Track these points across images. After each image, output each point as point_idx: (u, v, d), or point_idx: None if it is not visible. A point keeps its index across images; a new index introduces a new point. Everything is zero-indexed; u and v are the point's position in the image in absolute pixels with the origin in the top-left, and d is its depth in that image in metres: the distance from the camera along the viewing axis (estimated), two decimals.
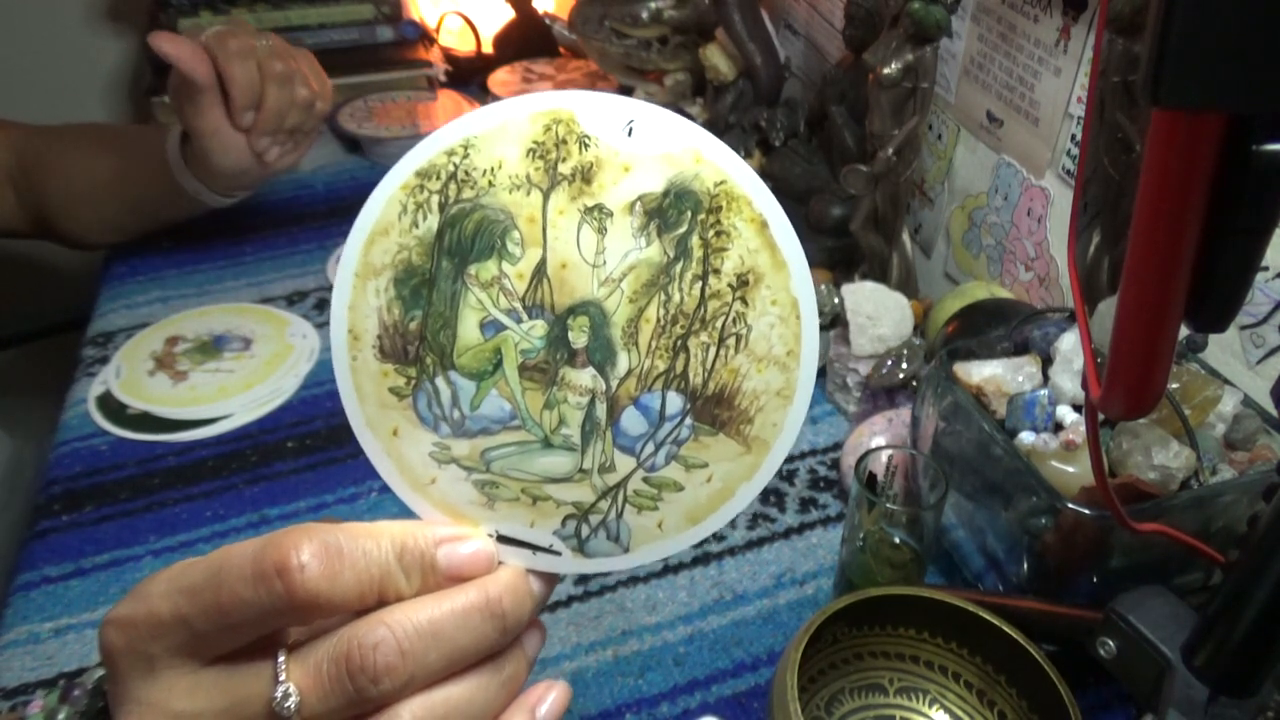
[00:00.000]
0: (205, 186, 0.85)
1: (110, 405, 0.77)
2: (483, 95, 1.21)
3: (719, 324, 0.30)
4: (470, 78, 1.27)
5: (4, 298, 1.30)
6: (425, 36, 1.25)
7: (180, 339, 0.83)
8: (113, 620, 0.29)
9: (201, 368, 0.80)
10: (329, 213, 1.03)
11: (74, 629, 0.60)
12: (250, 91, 0.76)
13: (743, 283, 0.30)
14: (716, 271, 0.30)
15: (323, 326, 0.85)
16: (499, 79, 1.22)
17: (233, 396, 0.77)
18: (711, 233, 0.30)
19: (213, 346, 0.82)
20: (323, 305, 0.89)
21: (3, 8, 1.23)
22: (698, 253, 0.30)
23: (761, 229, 0.30)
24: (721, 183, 0.29)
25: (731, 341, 0.30)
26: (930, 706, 0.53)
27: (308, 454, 0.73)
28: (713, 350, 0.30)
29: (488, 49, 1.29)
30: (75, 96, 1.30)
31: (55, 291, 1.27)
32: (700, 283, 0.30)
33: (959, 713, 0.52)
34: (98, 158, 0.88)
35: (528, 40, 1.29)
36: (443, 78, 1.23)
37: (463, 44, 1.30)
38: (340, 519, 0.35)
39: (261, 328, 0.85)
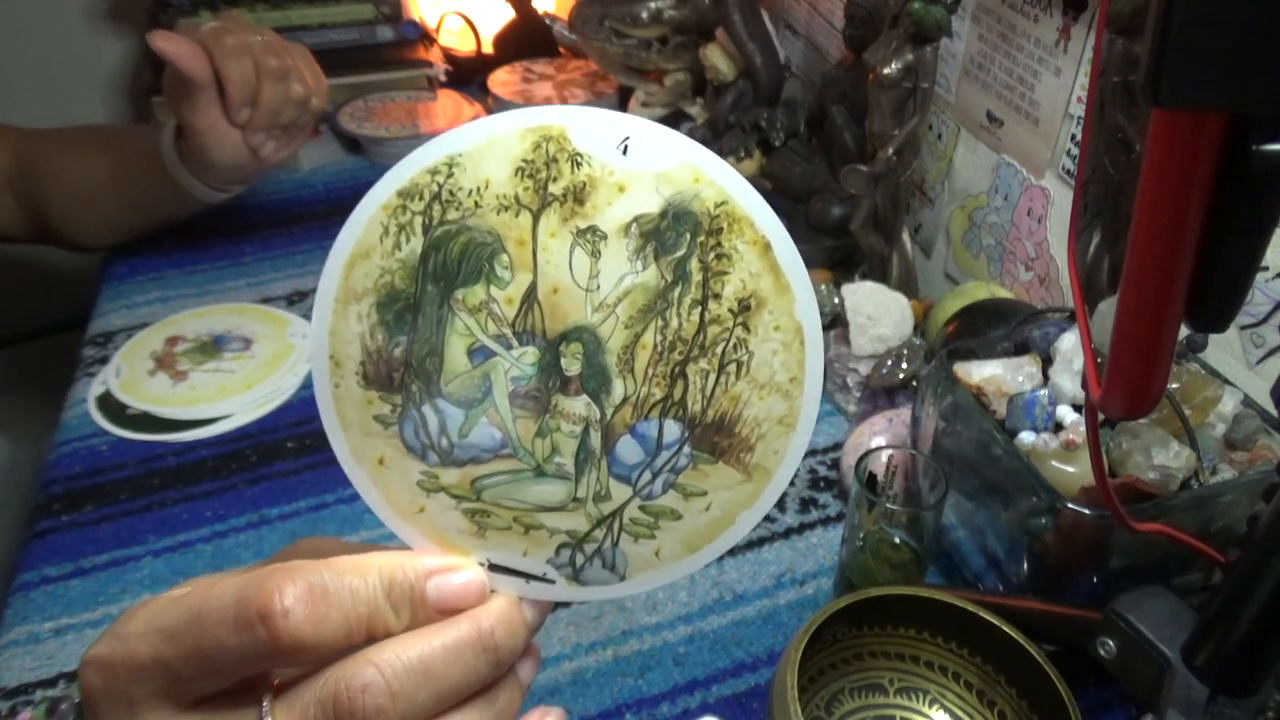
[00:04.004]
0: (199, 181, 0.85)
1: (110, 405, 0.77)
2: (483, 95, 1.21)
3: (719, 350, 0.29)
4: (470, 78, 1.27)
5: (4, 298, 1.30)
6: (425, 36, 1.25)
7: (180, 339, 0.83)
8: (91, 661, 0.28)
9: (201, 368, 0.80)
10: (329, 213, 1.03)
11: (74, 629, 0.60)
12: (246, 89, 0.77)
13: (744, 308, 0.29)
14: (717, 296, 0.29)
15: None
16: (499, 79, 1.22)
17: (233, 396, 0.77)
18: (711, 256, 0.28)
19: (213, 346, 0.82)
20: None
21: (3, 8, 1.23)
22: (697, 277, 0.28)
23: (764, 252, 0.28)
24: (722, 203, 0.28)
25: (732, 368, 0.29)
26: (930, 706, 0.53)
27: (308, 454, 0.73)
28: (712, 377, 0.29)
29: (488, 49, 1.29)
30: (75, 96, 1.30)
31: (55, 291, 1.27)
32: (699, 308, 0.29)
33: (959, 713, 0.52)
34: (94, 159, 0.88)
35: (528, 40, 1.29)
36: (443, 78, 1.23)
37: (463, 44, 1.30)
38: (334, 538, 0.34)
39: (261, 328, 0.85)
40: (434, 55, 1.24)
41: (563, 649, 0.59)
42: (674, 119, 1.11)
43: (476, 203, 0.28)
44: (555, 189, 0.28)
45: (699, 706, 0.56)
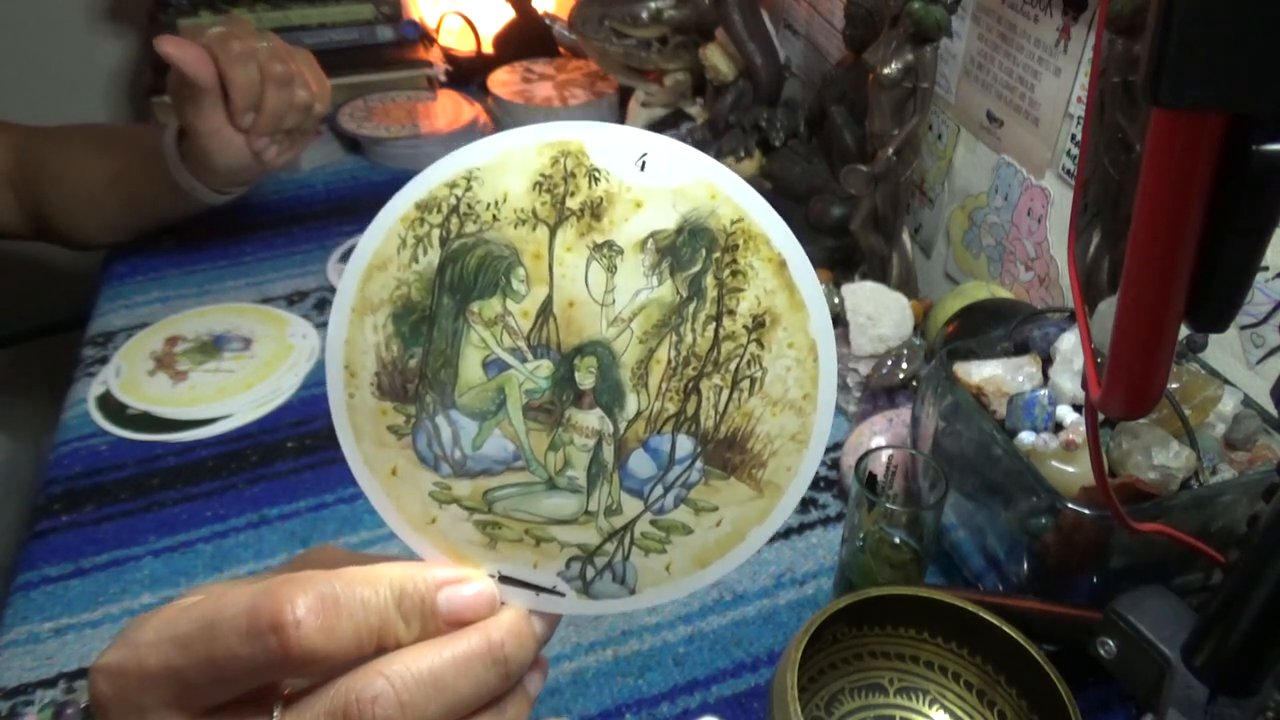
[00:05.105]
0: (201, 183, 0.86)
1: (110, 405, 0.77)
2: (483, 95, 1.21)
3: (732, 366, 0.29)
4: (470, 78, 1.26)
5: (4, 298, 1.30)
6: (425, 36, 1.25)
7: (180, 339, 0.83)
8: (101, 668, 0.29)
9: (201, 368, 0.80)
10: (329, 213, 1.03)
11: (74, 629, 0.60)
12: (251, 94, 0.77)
13: (758, 324, 0.29)
14: (731, 312, 0.29)
15: (323, 326, 0.86)
16: (499, 79, 1.22)
17: (233, 396, 0.77)
18: (727, 272, 0.28)
19: (213, 346, 0.82)
20: (323, 305, 0.89)
21: (3, 8, 1.23)
22: (712, 293, 0.29)
23: (780, 269, 0.29)
24: (738, 220, 0.28)
25: (745, 384, 0.29)
26: (930, 706, 0.53)
27: (308, 454, 0.73)
28: (725, 393, 0.29)
29: (488, 49, 1.29)
30: (75, 96, 1.30)
31: (55, 291, 1.27)
32: (714, 324, 0.29)
33: (959, 713, 0.52)
34: (96, 158, 0.88)
35: (528, 40, 1.29)
36: (443, 78, 1.23)
37: (463, 44, 1.30)
38: (343, 549, 0.34)
39: (261, 328, 0.85)
40: (434, 55, 1.24)
41: (563, 649, 0.59)
42: (674, 119, 1.11)
43: (494, 216, 0.28)
44: (573, 204, 0.28)
45: (699, 706, 0.56)
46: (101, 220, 0.91)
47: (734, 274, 0.29)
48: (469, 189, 0.28)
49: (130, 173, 0.88)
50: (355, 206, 1.03)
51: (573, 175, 0.28)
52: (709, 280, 0.29)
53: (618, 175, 0.28)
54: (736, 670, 0.58)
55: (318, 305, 0.89)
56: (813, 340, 0.29)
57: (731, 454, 0.30)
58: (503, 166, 0.28)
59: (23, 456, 1.00)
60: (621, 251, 0.28)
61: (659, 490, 0.30)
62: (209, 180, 0.85)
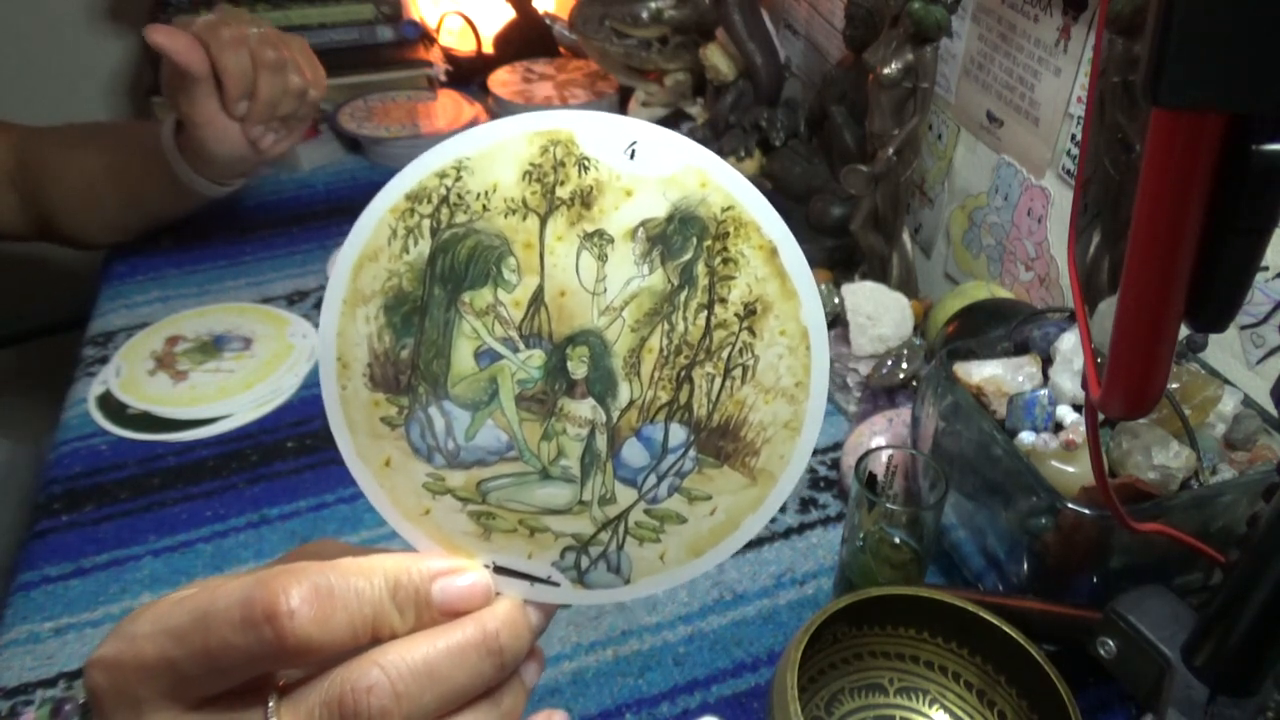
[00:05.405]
0: (200, 175, 0.85)
1: (110, 405, 0.77)
2: (483, 95, 1.21)
3: (725, 354, 0.29)
4: (470, 78, 1.27)
5: (4, 298, 1.30)
6: (425, 36, 1.25)
7: (180, 339, 0.83)
8: (97, 661, 0.29)
9: (201, 367, 0.80)
10: (329, 212, 1.03)
11: (74, 629, 0.60)
12: (244, 81, 0.76)
13: (750, 312, 0.29)
14: (723, 300, 0.29)
15: None
16: (499, 79, 1.22)
17: (233, 396, 0.77)
18: (718, 260, 0.28)
19: (213, 346, 0.82)
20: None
21: (3, 8, 1.23)
22: (703, 281, 0.29)
23: (771, 256, 0.29)
24: (729, 208, 0.28)
25: (738, 372, 0.29)
26: (930, 706, 0.53)
27: (308, 454, 0.73)
28: (718, 381, 0.29)
29: (488, 49, 1.29)
30: (75, 96, 1.30)
31: (55, 291, 1.28)
32: (705, 312, 0.29)
33: (959, 713, 0.52)
34: (95, 155, 0.88)
35: (528, 40, 1.29)
36: (443, 78, 1.23)
37: (463, 44, 1.30)
38: (339, 540, 0.34)
39: (261, 327, 0.85)
40: (434, 55, 1.24)
41: (563, 649, 0.59)
42: (674, 119, 1.11)
43: (484, 206, 0.28)
44: (563, 193, 0.28)
45: (699, 706, 0.56)
46: (104, 219, 0.91)
47: (725, 262, 0.29)
48: (459, 179, 0.28)
49: (131, 170, 0.88)
50: (355, 206, 1.01)
51: (562, 164, 0.28)
52: (700, 268, 0.29)
53: (607, 164, 0.28)
54: (736, 670, 0.58)
55: (318, 305, 0.89)
56: (804, 328, 0.29)
57: (725, 442, 0.30)
58: (492, 156, 0.28)
59: (23, 456, 1.00)
60: (612, 240, 0.28)
61: (652, 479, 0.30)
62: (207, 172, 0.85)
